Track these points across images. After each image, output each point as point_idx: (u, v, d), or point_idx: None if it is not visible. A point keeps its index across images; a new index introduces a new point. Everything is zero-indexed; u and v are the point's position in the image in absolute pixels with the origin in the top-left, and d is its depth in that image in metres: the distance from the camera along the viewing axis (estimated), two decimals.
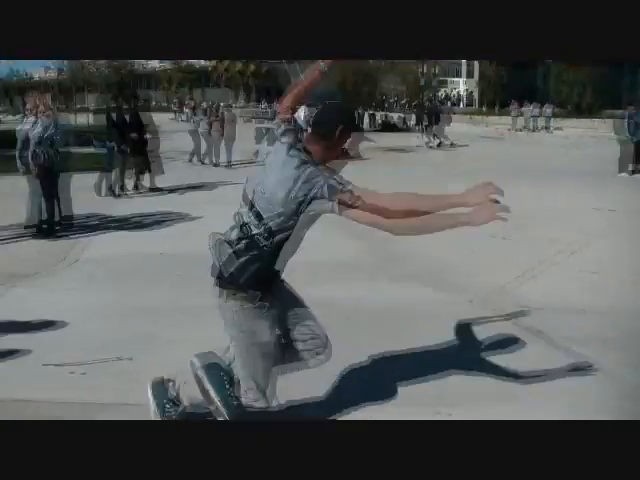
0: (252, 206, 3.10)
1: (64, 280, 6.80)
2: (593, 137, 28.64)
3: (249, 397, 3.17)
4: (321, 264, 6.95)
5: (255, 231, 3.06)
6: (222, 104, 22.47)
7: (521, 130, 35.03)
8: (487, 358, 4.74)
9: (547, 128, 34.92)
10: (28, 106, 9.05)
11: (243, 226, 3.10)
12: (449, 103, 50.94)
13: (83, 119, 32.52)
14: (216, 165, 18.23)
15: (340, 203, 2.85)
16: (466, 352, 4.89)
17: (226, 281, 3.12)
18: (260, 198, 3.08)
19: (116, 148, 12.70)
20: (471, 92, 59.61)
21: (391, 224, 2.87)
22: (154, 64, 71.29)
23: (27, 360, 4.67)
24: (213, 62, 66.44)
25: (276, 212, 3.00)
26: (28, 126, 8.64)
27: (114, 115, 13.27)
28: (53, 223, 8.96)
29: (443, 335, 5.15)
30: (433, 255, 7.55)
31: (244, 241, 3.08)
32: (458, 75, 65.13)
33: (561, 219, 9.88)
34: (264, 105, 47.43)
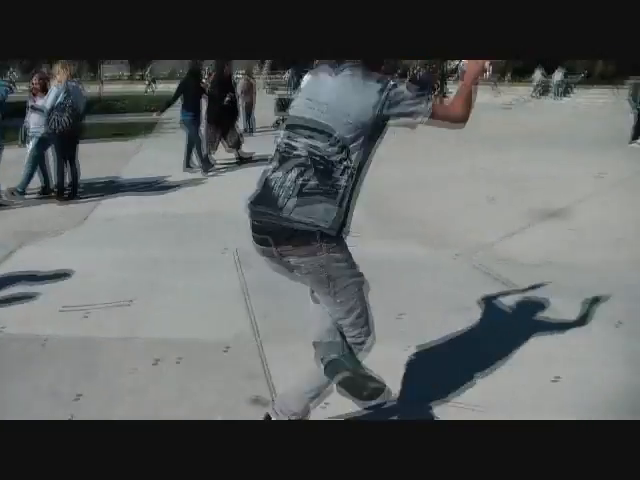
0: (313, 128, 2.80)
1: (81, 236, 7.39)
2: (609, 105, 28.67)
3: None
4: None
5: (327, 153, 2.76)
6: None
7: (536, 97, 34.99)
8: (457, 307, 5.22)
9: (560, 94, 34.95)
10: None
11: (307, 157, 2.77)
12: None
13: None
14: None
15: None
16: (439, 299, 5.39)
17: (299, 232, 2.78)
18: (321, 115, 2.81)
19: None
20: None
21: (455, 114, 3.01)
22: None
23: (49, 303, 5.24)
24: None
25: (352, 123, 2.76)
26: (52, 94, 9.04)
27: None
28: (74, 187, 9.51)
29: (426, 284, 5.70)
30: (429, 218, 8.13)
31: (312, 171, 2.75)
32: None
33: (560, 184, 10.29)
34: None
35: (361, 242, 6.89)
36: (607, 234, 7.36)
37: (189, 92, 12.11)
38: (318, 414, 3.27)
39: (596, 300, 5.18)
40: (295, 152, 2.80)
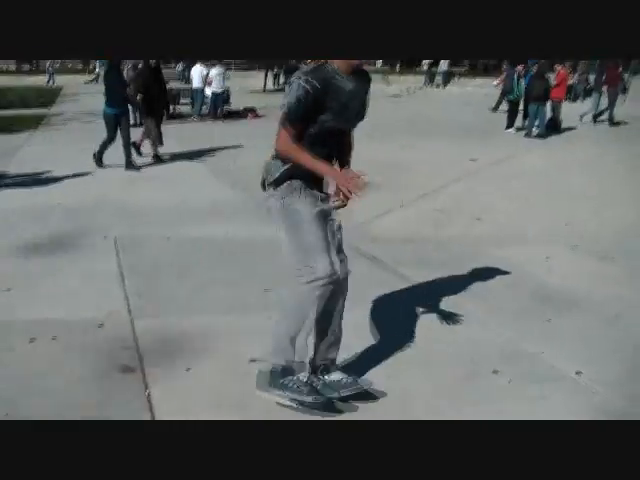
0: None
1: None
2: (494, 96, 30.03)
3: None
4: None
5: None
6: None
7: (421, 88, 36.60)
8: None
9: (444, 84, 36.77)
10: None
11: None
12: None
13: None
14: None
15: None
16: None
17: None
18: None
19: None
20: None
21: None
22: None
23: None
24: None
25: None
26: None
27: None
28: None
29: None
30: None
31: None
32: None
33: (434, 169, 10.97)
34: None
35: (239, 223, 7.31)
36: (467, 213, 7.97)
37: (114, 85, 11.24)
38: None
39: (449, 269, 5.74)
40: None
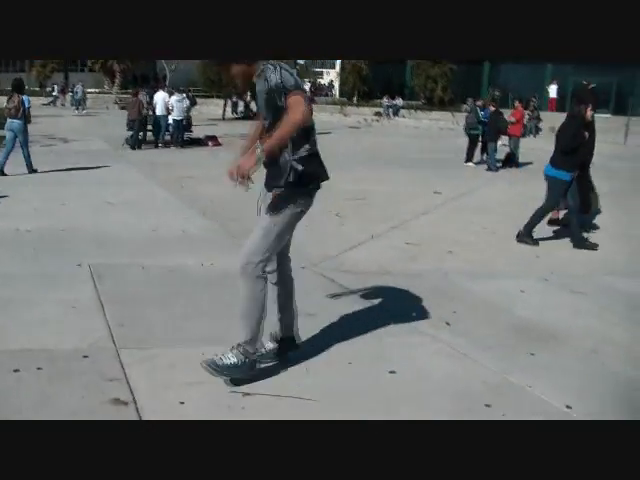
0: None
1: None
2: (449, 129, 30.69)
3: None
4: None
5: None
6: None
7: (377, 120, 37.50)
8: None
9: (394, 115, 38.39)
10: None
11: None
12: None
13: None
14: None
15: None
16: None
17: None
18: None
19: None
20: (332, 82, 60.47)
21: None
22: None
23: None
24: None
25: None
26: None
27: None
28: None
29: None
30: None
31: None
32: (332, 67, 66.94)
33: (401, 201, 11.11)
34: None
35: (217, 256, 7.27)
36: (438, 246, 8.09)
37: None
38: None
39: (427, 303, 5.79)
40: None
